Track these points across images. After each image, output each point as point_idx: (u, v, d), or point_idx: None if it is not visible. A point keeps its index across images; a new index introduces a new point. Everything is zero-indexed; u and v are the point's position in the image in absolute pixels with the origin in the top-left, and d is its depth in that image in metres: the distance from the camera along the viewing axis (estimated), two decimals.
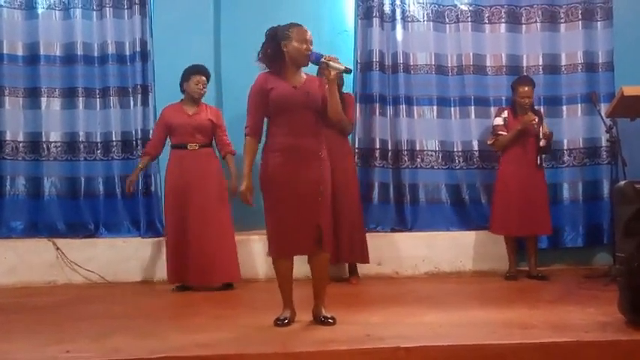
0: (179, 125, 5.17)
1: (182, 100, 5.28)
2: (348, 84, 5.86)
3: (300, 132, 3.74)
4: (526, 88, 5.45)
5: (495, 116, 5.61)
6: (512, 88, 5.58)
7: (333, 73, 3.70)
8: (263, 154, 3.82)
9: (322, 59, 3.70)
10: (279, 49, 3.76)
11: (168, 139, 5.29)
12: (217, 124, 5.29)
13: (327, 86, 3.77)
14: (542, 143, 5.38)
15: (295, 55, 3.74)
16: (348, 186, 5.32)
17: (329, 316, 3.79)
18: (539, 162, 5.42)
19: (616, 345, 3.31)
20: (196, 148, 5.19)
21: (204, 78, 5.24)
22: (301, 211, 3.71)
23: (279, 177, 3.70)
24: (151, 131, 5.71)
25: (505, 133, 5.46)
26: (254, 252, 5.45)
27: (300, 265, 3.91)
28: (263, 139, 3.85)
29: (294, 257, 3.86)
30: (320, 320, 3.79)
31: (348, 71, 3.76)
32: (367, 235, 5.52)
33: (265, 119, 3.84)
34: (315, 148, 3.78)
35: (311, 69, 3.92)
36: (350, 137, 5.70)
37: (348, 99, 5.45)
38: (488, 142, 5.63)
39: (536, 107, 5.69)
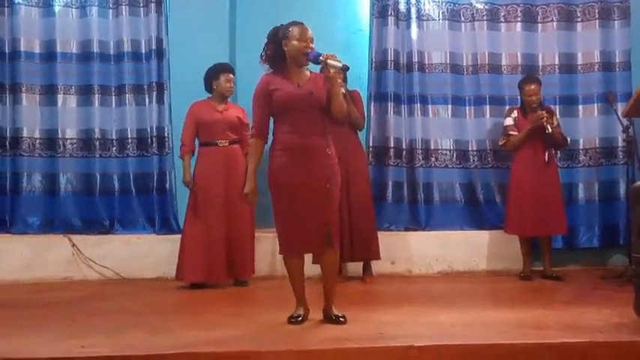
0: (212, 122, 5.17)
1: (210, 97, 5.29)
2: (363, 82, 5.86)
3: (305, 131, 3.73)
4: (532, 87, 5.41)
5: (505, 116, 5.57)
6: (518, 87, 5.53)
7: (332, 70, 3.70)
8: (270, 154, 3.82)
9: (320, 57, 3.69)
10: (281, 49, 3.76)
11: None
12: (244, 123, 5.29)
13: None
14: (548, 129, 5.29)
15: (294, 53, 3.74)
16: (360, 184, 5.32)
17: (340, 314, 3.79)
18: (546, 158, 5.36)
19: (631, 346, 3.29)
20: (226, 144, 5.20)
21: (232, 75, 5.27)
22: (309, 210, 3.70)
23: (285, 176, 3.70)
24: (166, 128, 5.77)
25: (516, 133, 5.44)
26: (268, 249, 5.46)
27: (311, 264, 3.91)
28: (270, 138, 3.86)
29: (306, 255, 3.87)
30: (331, 319, 3.78)
31: (345, 68, 3.73)
32: (381, 233, 5.51)
33: (271, 119, 3.84)
34: (322, 146, 3.77)
35: (316, 67, 3.91)
36: (364, 136, 5.69)
37: (355, 95, 5.43)
38: (500, 143, 5.59)
39: (552, 106, 5.67)
